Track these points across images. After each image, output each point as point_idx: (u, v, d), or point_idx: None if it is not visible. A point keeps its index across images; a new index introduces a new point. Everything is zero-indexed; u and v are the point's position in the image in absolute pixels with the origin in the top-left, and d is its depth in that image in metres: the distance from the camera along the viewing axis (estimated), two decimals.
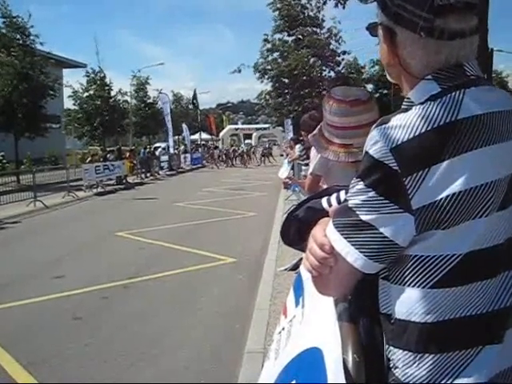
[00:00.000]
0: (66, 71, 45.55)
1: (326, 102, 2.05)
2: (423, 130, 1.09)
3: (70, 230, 12.86)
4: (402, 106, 1.18)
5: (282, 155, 38.82)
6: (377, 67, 37.33)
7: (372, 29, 1.32)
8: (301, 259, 3.71)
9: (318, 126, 2.20)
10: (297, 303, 1.96)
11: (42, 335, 5.53)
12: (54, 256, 9.41)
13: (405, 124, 1.11)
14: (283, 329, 1.95)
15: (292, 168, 14.07)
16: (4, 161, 29.98)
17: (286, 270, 7.29)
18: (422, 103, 1.14)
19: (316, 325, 1.57)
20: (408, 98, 1.20)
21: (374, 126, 1.17)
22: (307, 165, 7.33)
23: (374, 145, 1.13)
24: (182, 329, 5.63)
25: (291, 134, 30.50)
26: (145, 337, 5.42)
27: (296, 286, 2.15)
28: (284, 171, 9.90)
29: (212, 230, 11.96)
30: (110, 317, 6.08)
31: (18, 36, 25.77)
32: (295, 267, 6.80)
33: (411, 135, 1.09)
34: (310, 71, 34.20)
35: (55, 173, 23.94)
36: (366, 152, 1.14)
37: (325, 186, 3.99)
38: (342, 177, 3.77)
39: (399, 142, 1.10)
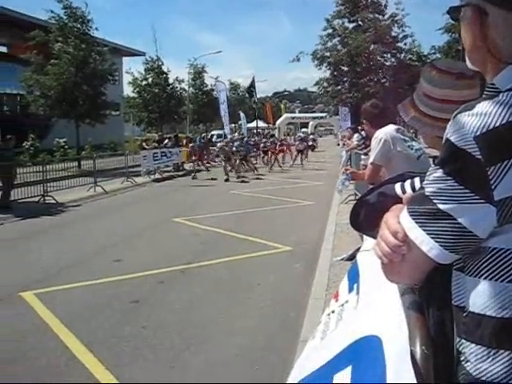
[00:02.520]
0: (125, 59, 46.63)
1: (428, 72, 1.95)
2: (511, 119, 1.02)
3: (128, 214, 13.18)
4: (485, 93, 1.12)
5: (338, 145, 38.50)
6: (438, 55, 36.26)
7: (453, 12, 1.24)
8: (357, 249, 3.66)
9: (409, 98, 2.10)
10: (350, 289, 1.94)
11: (100, 316, 5.67)
12: (113, 240, 9.68)
13: (491, 111, 1.05)
14: (333, 311, 1.93)
15: (349, 158, 13.94)
16: (66, 146, 30.92)
17: (342, 260, 7.24)
18: (509, 89, 1.07)
19: (376, 313, 1.53)
20: (493, 84, 1.12)
21: (455, 112, 1.11)
22: (366, 154, 7.23)
23: (455, 132, 1.07)
24: (237, 316, 5.66)
25: (348, 123, 30.14)
26: (200, 322, 5.48)
27: (351, 274, 2.13)
28: (343, 161, 9.84)
29: (267, 218, 11.98)
30: (167, 301, 6.17)
31: (78, 25, 26.40)
32: (351, 257, 6.75)
33: (497, 123, 1.03)
34: (371, 58, 33.50)
35: (114, 159, 24.51)
36: (447, 139, 1.09)
37: (386, 177, 3.93)
38: (403, 166, 3.70)
39: (484, 130, 1.03)
